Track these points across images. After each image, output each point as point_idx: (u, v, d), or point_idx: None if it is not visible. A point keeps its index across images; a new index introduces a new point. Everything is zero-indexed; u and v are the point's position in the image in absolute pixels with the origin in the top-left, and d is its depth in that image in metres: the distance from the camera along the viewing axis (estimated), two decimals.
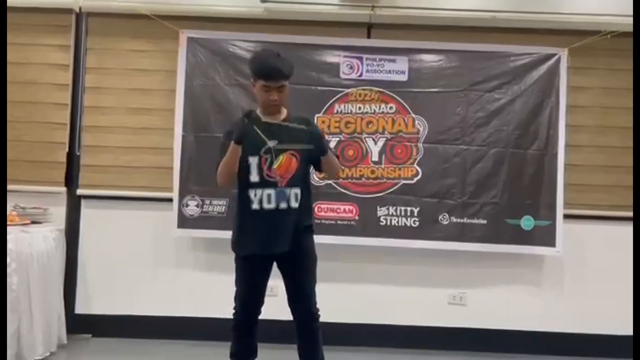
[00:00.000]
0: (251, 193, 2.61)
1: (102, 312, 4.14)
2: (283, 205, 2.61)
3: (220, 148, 2.70)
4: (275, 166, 2.59)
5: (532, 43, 4.11)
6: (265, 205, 2.60)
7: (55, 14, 4.17)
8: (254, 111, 2.62)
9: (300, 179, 2.65)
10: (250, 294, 2.68)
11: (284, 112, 2.72)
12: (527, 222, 4.00)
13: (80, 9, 4.18)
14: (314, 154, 2.65)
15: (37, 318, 3.52)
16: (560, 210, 3.99)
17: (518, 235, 3.99)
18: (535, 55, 4.06)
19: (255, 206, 2.61)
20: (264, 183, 2.60)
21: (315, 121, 3.92)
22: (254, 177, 2.60)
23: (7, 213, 3.68)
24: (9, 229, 3.42)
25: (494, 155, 4.01)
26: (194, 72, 4.05)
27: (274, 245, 2.63)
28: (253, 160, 2.60)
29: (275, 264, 2.72)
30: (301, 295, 2.68)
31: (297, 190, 2.63)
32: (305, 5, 4.08)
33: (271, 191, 2.60)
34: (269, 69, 2.58)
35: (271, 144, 2.58)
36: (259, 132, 2.59)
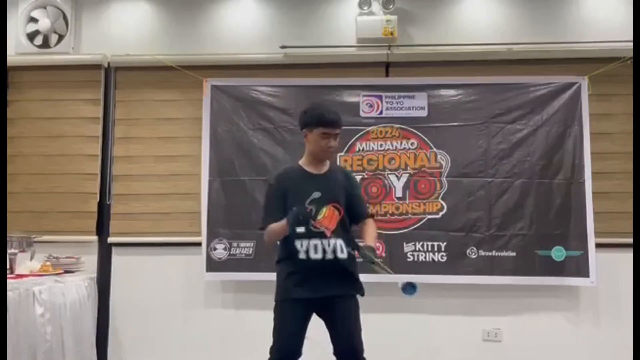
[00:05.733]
0: (297, 243, 2.61)
1: None
2: (329, 255, 2.61)
3: (267, 192, 2.78)
4: (320, 217, 2.60)
5: (551, 73, 4.13)
6: (312, 255, 2.61)
7: (85, 70, 4.36)
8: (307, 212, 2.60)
9: (344, 230, 2.66)
10: (288, 341, 2.61)
11: (327, 165, 2.78)
12: (558, 253, 3.92)
13: (108, 64, 4.37)
14: (347, 204, 2.69)
15: None
16: (591, 240, 3.91)
17: (549, 267, 3.91)
18: (554, 84, 4.06)
19: (302, 256, 2.61)
20: (310, 234, 2.61)
21: (338, 161, 3.98)
22: (300, 228, 2.59)
23: (41, 263, 3.77)
24: (43, 279, 3.51)
25: (519, 186, 3.98)
26: (218, 118, 4.16)
27: (321, 290, 2.60)
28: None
29: (317, 314, 2.67)
30: (349, 344, 2.61)
31: (342, 242, 2.64)
32: (323, 49, 4.20)
33: (317, 242, 2.61)
34: (330, 117, 2.68)
35: (315, 195, 2.61)
36: (303, 183, 2.67)
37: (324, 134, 2.66)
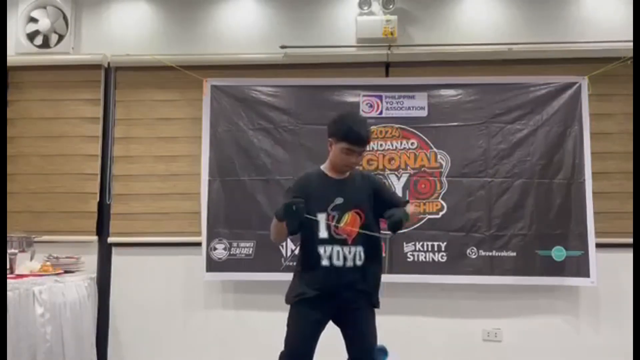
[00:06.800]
0: (320, 249, 2.57)
1: None
2: (349, 263, 2.57)
3: (284, 196, 2.66)
4: (342, 224, 2.57)
5: (551, 73, 4.13)
6: (335, 262, 2.57)
7: (85, 70, 4.36)
8: (300, 204, 2.48)
9: (365, 237, 2.60)
10: (301, 346, 2.55)
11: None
12: (558, 253, 3.92)
13: (108, 64, 4.37)
14: (380, 204, 2.64)
15: None
16: (592, 240, 3.91)
17: (550, 267, 3.91)
18: (554, 84, 4.06)
19: (325, 262, 2.57)
20: (332, 240, 2.57)
21: None
22: (323, 234, 2.57)
23: (41, 263, 3.77)
24: (43, 279, 3.51)
25: (519, 186, 3.98)
26: (218, 118, 4.15)
27: (339, 293, 2.56)
28: (321, 217, 2.58)
29: (334, 321, 2.63)
30: (365, 355, 2.57)
31: (361, 249, 2.59)
32: (323, 49, 4.20)
33: (339, 248, 2.57)
34: (357, 134, 2.56)
35: (338, 201, 2.58)
36: (325, 188, 2.61)
37: (348, 150, 2.56)
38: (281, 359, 2.58)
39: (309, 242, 2.60)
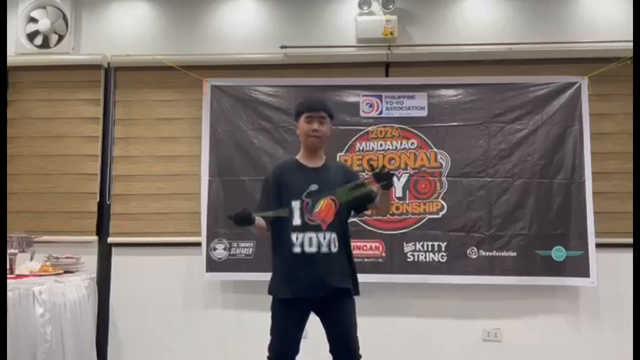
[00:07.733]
0: (293, 236, 2.60)
1: None
2: (324, 249, 2.60)
3: (262, 188, 2.77)
4: (316, 210, 2.61)
5: (551, 73, 4.13)
6: (307, 249, 2.59)
7: (85, 70, 4.36)
8: (248, 214, 2.56)
9: (339, 224, 2.65)
10: (286, 339, 2.61)
11: (323, 159, 2.77)
12: (558, 253, 3.92)
13: (108, 64, 4.37)
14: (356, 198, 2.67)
15: None
16: (592, 240, 3.91)
17: (550, 267, 3.91)
18: (554, 84, 4.06)
19: (297, 249, 2.60)
20: (306, 227, 2.60)
21: (337, 159, 3.98)
22: (296, 221, 2.60)
23: (41, 263, 3.77)
24: (43, 279, 3.51)
25: (519, 186, 3.98)
26: (218, 118, 4.16)
27: (315, 289, 2.59)
28: (295, 204, 2.62)
29: (314, 312, 2.67)
30: (344, 342, 2.61)
31: (335, 235, 2.63)
32: (323, 49, 4.20)
33: (312, 235, 2.60)
34: (310, 101, 2.81)
35: (312, 187, 2.62)
36: (300, 176, 2.66)
37: (307, 118, 2.70)
38: (269, 350, 2.63)
39: (283, 230, 2.63)
